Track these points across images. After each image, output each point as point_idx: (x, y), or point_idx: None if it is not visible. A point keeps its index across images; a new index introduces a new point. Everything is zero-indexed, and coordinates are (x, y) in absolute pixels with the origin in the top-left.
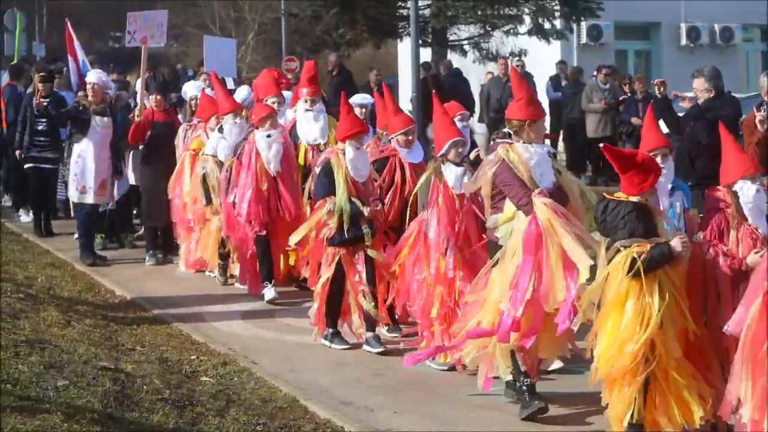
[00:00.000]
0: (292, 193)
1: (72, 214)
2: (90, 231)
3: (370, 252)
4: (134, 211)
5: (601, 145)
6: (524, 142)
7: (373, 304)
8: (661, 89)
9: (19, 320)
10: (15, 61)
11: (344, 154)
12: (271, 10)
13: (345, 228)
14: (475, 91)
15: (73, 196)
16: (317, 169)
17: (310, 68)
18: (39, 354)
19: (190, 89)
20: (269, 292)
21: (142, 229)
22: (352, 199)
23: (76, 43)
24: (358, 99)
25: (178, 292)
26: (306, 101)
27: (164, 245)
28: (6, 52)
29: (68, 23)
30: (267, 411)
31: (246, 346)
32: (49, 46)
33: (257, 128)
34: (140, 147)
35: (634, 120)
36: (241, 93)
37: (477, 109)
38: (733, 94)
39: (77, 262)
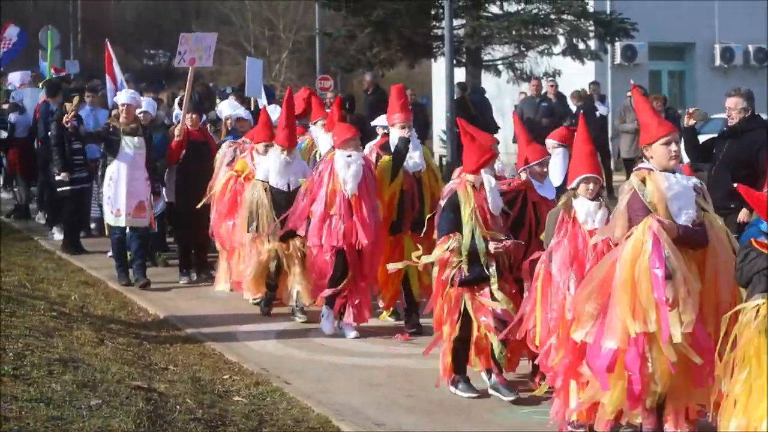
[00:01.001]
0: (369, 218)
1: (106, 233)
2: (123, 254)
3: (496, 294)
4: (168, 230)
5: (736, 185)
6: (661, 169)
7: (502, 347)
8: (698, 119)
9: (52, 338)
10: (48, 78)
11: (473, 186)
12: (305, 28)
13: (471, 267)
14: (509, 110)
15: (109, 219)
16: (442, 202)
17: (401, 93)
18: (72, 373)
19: (226, 108)
20: (326, 322)
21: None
22: (481, 235)
23: (115, 64)
24: (380, 121)
25: (211, 311)
26: (403, 128)
27: (197, 264)
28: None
29: (108, 44)
30: None
31: (279, 366)
32: (83, 63)
33: (338, 149)
34: (174, 165)
35: None
36: (275, 115)
37: (510, 129)
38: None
39: (110, 280)
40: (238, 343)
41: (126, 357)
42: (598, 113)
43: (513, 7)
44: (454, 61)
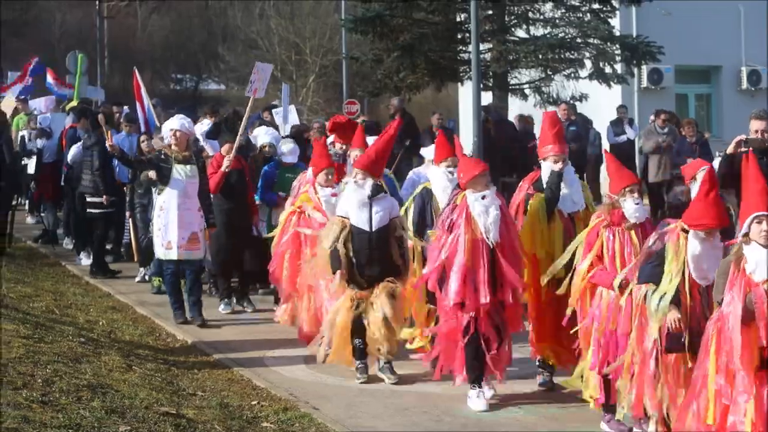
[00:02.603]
0: (515, 267)
1: (135, 258)
2: (177, 289)
3: None
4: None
5: None
6: None
7: None
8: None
9: (80, 364)
10: (75, 103)
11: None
12: (332, 53)
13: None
14: (537, 134)
15: (159, 252)
16: (651, 243)
17: (555, 121)
18: (101, 399)
19: (262, 136)
20: (478, 401)
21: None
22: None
23: (143, 91)
24: (427, 153)
25: (239, 337)
26: (557, 161)
27: (238, 293)
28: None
29: (136, 71)
30: None
31: (307, 391)
32: (110, 88)
33: (465, 188)
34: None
35: (690, 161)
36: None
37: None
38: None
39: (138, 306)
40: (266, 368)
41: (154, 383)
42: (625, 137)
43: (539, 31)
44: (481, 85)
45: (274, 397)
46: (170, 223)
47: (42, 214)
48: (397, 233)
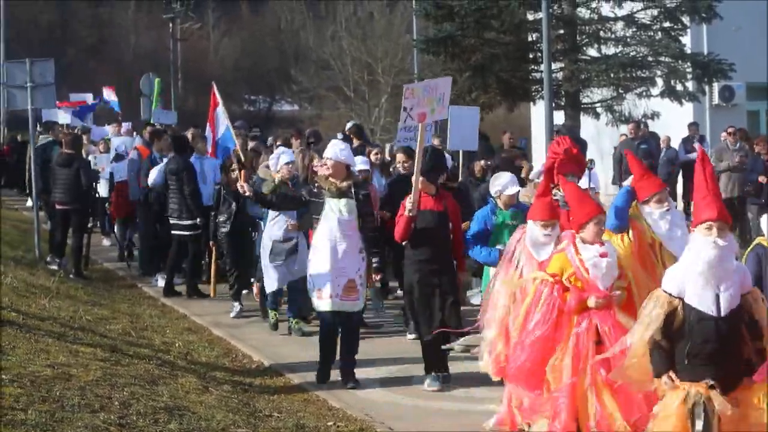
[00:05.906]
0: None
1: (212, 286)
2: (330, 346)
3: None
4: None
5: None
6: None
7: None
8: None
9: (157, 386)
10: (151, 126)
11: None
12: (404, 72)
13: None
14: (609, 152)
15: (314, 301)
16: None
17: None
18: (177, 421)
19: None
20: None
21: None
22: None
23: (221, 108)
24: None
25: (315, 358)
26: None
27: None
28: (143, 116)
29: (214, 86)
30: None
31: (382, 412)
32: (184, 110)
33: None
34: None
35: (762, 178)
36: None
37: (611, 171)
38: None
39: (214, 327)
40: (342, 389)
41: (231, 404)
42: (695, 154)
43: (611, 50)
44: (553, 104)
45: (349, 418)
46: (323, 268)
47: (114, 233)
48: (757, 316)
